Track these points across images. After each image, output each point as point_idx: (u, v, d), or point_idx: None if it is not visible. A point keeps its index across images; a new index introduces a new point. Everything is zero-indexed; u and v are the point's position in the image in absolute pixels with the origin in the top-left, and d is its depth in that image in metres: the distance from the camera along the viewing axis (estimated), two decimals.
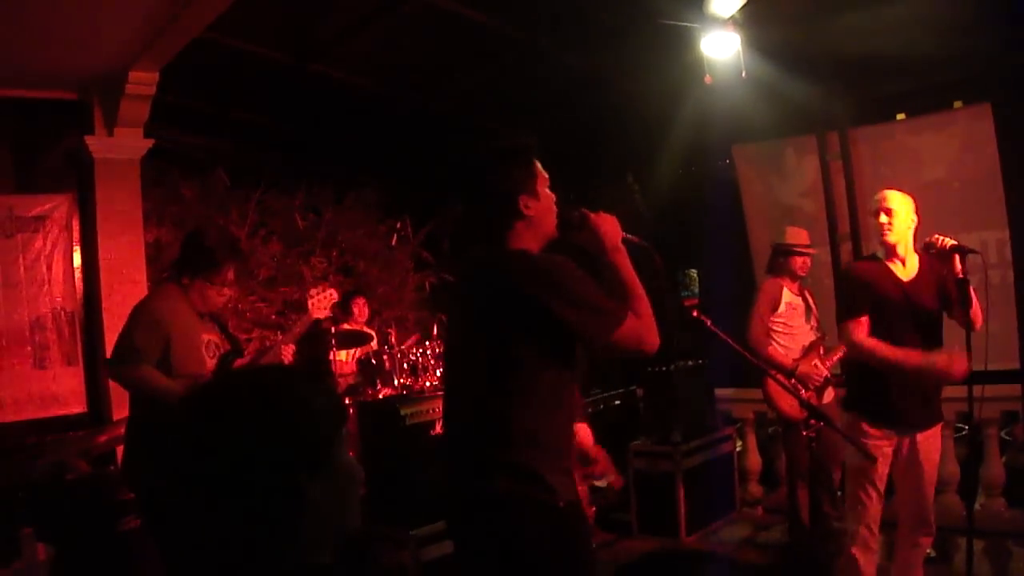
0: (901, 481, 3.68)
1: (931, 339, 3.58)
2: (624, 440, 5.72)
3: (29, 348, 5.47)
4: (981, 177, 5.70)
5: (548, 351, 2.20)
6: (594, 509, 3.72)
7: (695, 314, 3.25)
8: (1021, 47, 5.27)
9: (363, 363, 5.57)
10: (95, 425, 5.36)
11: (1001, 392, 4.87)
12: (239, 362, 3.64)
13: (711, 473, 5.65)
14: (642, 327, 2.24)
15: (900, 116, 6.33)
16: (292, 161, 7.86)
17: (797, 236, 4.99)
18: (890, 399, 3.55)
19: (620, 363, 6.75)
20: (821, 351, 4.79)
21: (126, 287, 5.47)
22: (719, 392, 6.06)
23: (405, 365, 5.27)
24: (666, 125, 6.71)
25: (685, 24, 5.00)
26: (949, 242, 3.37)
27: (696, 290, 7.76)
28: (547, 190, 2.35)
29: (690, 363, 5.86)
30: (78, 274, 5.67)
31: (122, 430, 3.78)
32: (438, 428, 4.42)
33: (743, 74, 4.97)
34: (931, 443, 3.62)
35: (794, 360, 4.80)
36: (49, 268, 5.57)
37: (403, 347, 5.61)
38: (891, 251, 3.60)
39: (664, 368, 5.71)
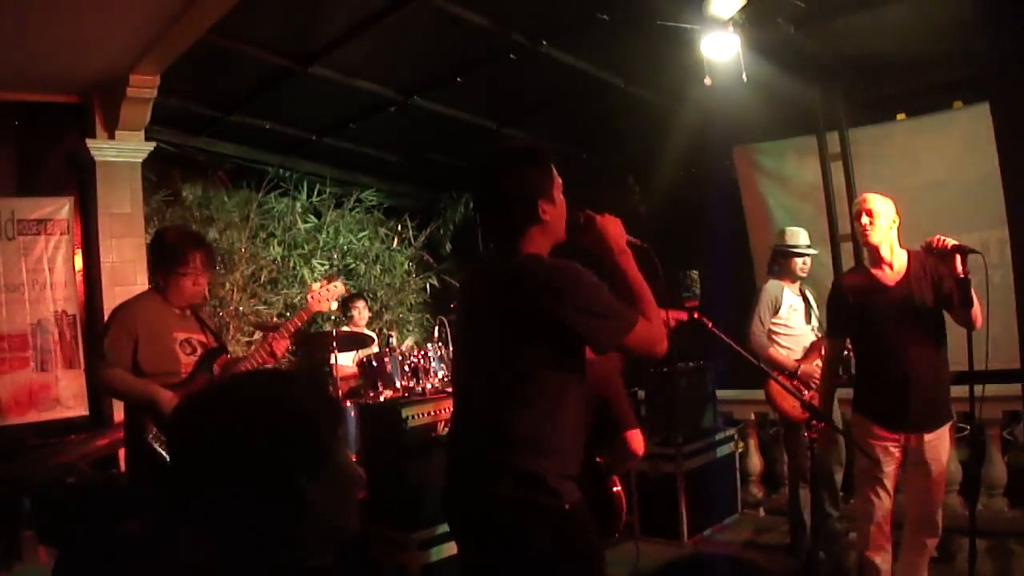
0: (908, 482, 3.68)
1: (930, 336, 3.58)
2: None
3: (31, 351, 5.48)
4: (981, 177, 5.68)
5: (557, 356, 2.20)
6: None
7: (696, 315, 3.26)
8: (1021, 47, 5.26)
9: (364, 365, 5.57)
10: (96, 428, 5.37)
11: (1002, 392, 4.86)
12: (222, 358, 3.66)
13: (713, 475, 5.64)
14: (652, 331, 2.24)
15: (900, 116, 6.32)
16: (293, 163, 7.87)
17: (796, 237, 4.99)
18: (896, 401, 3.55)
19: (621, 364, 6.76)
20: (823, 351, 4.78)
21: (127, 290, 5.47)
22: (720, 394, 6.06)
23: (406, 367, 5.27)
24: (666, 126, 6.71)
25: (685, 25, 5.00)
26: (950, 242, 3.37)
27: (697, 291, 7.75)
28: (561, 195, 2.35)
29: (691, 365, 5.86)
30: (79, 277, 5.68)
31: (123, 433, 3.80)
32: (440, 430, 4.42)
33: (743, 75, 4.98)
34: (939, 444, 3.61)
35: (796, 361, 4.80)
36: (51, 271, 5.58)
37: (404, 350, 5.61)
38: (875, 253, 3.64)
39: (665, 370, 5.71)
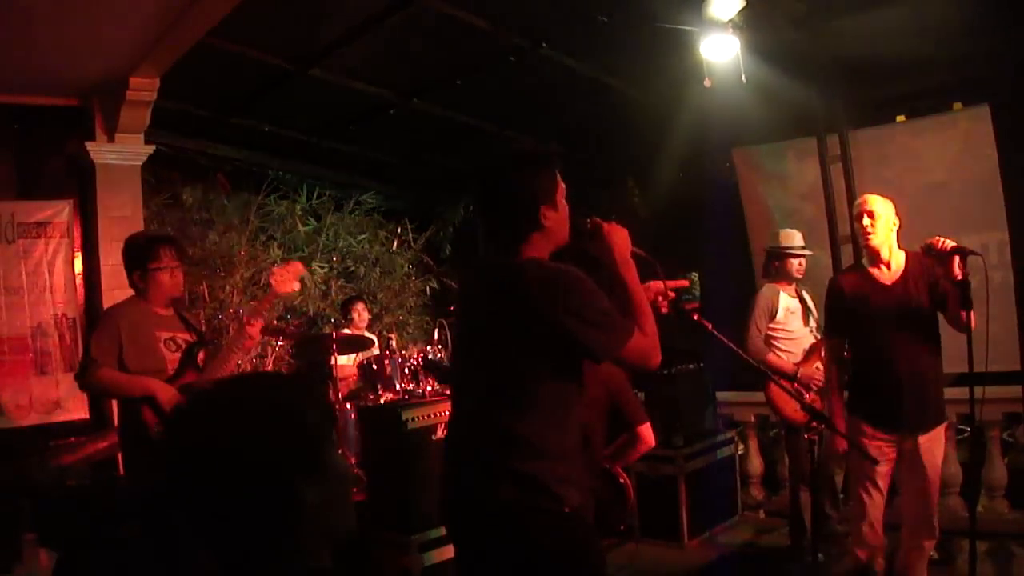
0: (904, 483, 3.68)
1: (925, 338, 3.59)
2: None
3: (31, 354, 5.48)
4: (981, 179, 5.69)
5: (556, 361, 2.19)
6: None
7: (696, 317, 3.25)
8: (1020, 49, 5.27)
9: (364, 368, 5.57)
10: (97, 431, 5.36)
11: (1002, 394, 4.87)
12: (204, 350, 3.75)
13: (713, 476, 5.64)
14: (647, 344, 2.23)
15: (900, 118, 6.33)
16: (293, 166, 7.88)
17: (790, 238, 4.99)
18: (890, 402, 3.56)
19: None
20: (822, 353, 4.78)
21: (127, 293, 5.46)
22: (720, 395, 6.05)
23: (406, 370, 5.27)
24: (666, 128, 6.71)
25: (684, 27, 5.00)
26: (950, 244, 3.37)
27: (697, 293, 7.75)
28: (564, 201, 2.34)
29: (691, 366, 5.85)
30: (79, 280, 5.68)
31: (120, 433, 3.82)
32: (439, 433, 4.41)
33: (743, 77, 4.98)
34: (933, 445, 3.62)
35: (795, 365, 4.80)
36: (50, 274, 5.58)
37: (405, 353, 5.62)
38: (875, 255, 3.65)
39: (665, 372, 5.71)
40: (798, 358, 4.84)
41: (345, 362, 6.36)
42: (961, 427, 5.40)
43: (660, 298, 2.55)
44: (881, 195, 3.76)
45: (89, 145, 5.56)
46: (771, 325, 4.89)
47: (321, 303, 7.83)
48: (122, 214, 5.64)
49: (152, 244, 3.72)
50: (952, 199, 5.70)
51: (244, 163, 7.65)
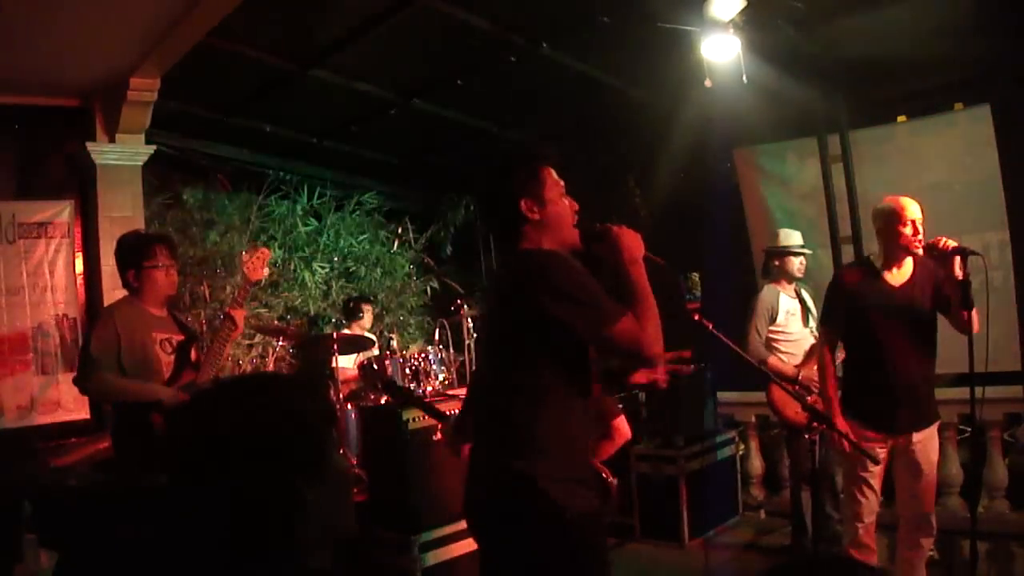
0: (900, 482, 3.69)
1: (922, 341, 3.59)
2: (626, 444, 5.71)
3: (32, 354, 5.48)
4: (982, 179, 5.69)
5: (554, 352, 2.18)
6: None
7: (697, 318, 3.25)
8: (1021, 49, 5.27)
9: (365, 368, 5.57)
10: (98, 431, 5.36)
11: (1003, 394, 4.87)
12: (195, 350, 3.75)
13: (713, 477, 5.64)
14: (641, 331, 2.18)
15: (901, 118, 6.32)
16: (293, 166, 7.88)
17: (790, 237, 4.99)
18: (883, 403, 3.56)
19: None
20: None
21: (128, 293, 5.47)
22: (721, 396, 6.05)
23: (407, 370, 5.27)
24: (667, 128, 6.71)
25: (685, 28, 5.00)
26: (951, 244, 3.37)
27: (698, 293, 7.75)
28: (560, 197, 2.35)
29: (692, 367, 5.85)
30: (80, 280, 5.69)
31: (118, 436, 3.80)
32: (440, 434, 4.41)
33: (744, 77, 4.97)
34: (927, 443, 3.62)
35: (795, 367, 4.79)
36: (51, 274, 5.59)
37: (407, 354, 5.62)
38: (898, 259, 3.60)
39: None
40: (798, 359, 4.83)
41: (346, 363, 6.36)
42: (962, 427, 5.40)
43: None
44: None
45: (90, 145, 5.57)
46: (771, 328, 4.88)
47: (322, 303, 7.82)
48: (123, 214, 5.64)
49: (147, 242, 3.71)
50: (953, 199, 5.70)
51: (245, 163, 7.65)
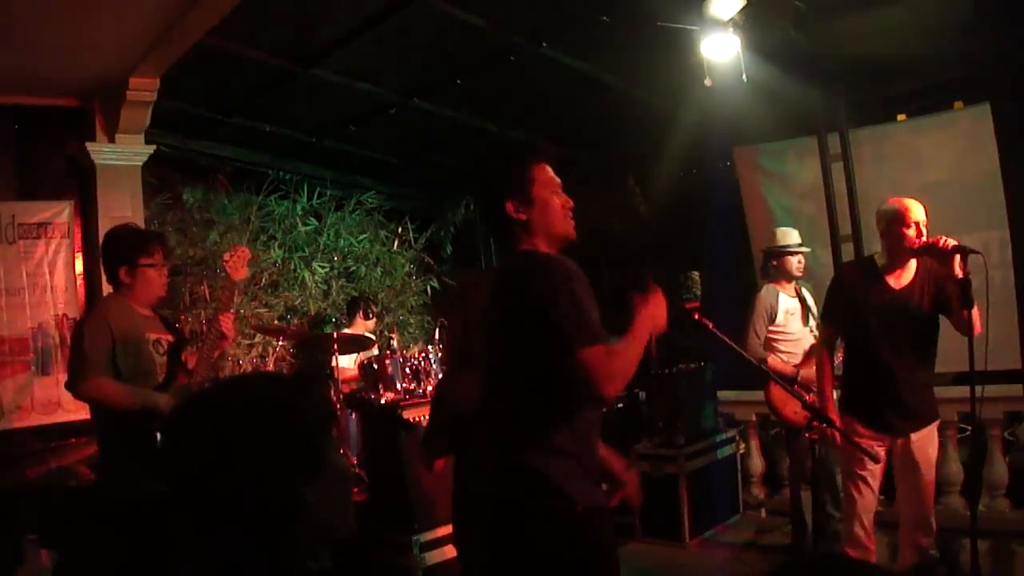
0: (900, 481, 3.69)
1: (922, 343, 3.59)
2: (627, 443, 5.71)
3: (31, 355, 5.48)
4: (982, 177, 5.68)
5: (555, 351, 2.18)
6: None
7: (697, 316, 3.25)
8: (1021, 48, 5.26)
9: (365, 368, 5.57)
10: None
11: (1004, 393, 4.87)
12: (188, 351, 3.62)
13: (714, 476, 5.64)
14: (611, 366, 2.10)
15: (901, 117, 6.32)
16: (293, 166, 7.88)
17: (788, 236, 4.99)
18: (882, 404, 3.56)
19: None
20: None
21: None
22: (721, 395, 6.05)
23: (407, 369, 5.27)
24: (667, 127, 6.71)
25: (685, 27, 5.00)
26: (951, 242, 3.36)
27: (698, 292, 7.74)
28: (552, 195, 2.34)
29: (692, 366, 5.85)
30: (80, 280, 5.68)
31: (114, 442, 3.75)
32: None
33: (743, 76, 4.97)
34: (926, 442, 3.62)
35: (794, 367, 4.79)
36: (51, 274, 5.58)
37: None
38: (901, 261, 3.60)
39: (667, 371, 5.71)
40: (798, 359, 4.83)
41: (346, 363, 6.35)
42: (962, 426, 5.40)
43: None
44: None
45: (89, 145, 5.57)
46: (771, 328, 4.88)
47: (322, 302, 7.83)
48: (123, 214, 5.63)
49: (146, 238, 3.57)
50: (953, 198, 5.69)
51: (245, 163, 7.65)
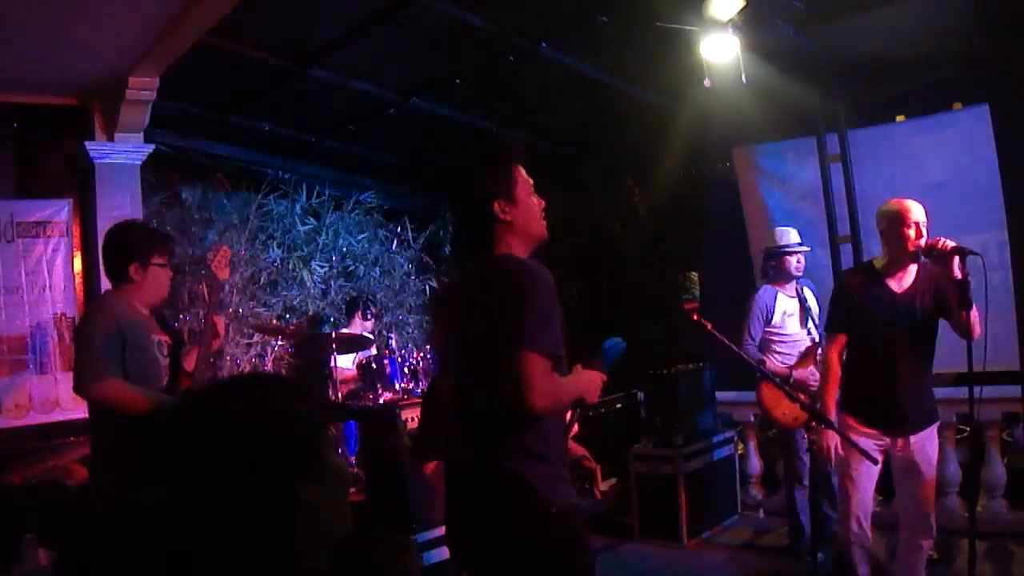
0: (900, 483, 3.69)
1: (923, 347, 3.60)
2: (625, 443, 5.72)
3: (30, 353, 5.48)
4: (980, 179, 5.70)
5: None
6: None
7: (695, 317, 3.25)
8: (1020, 49, 5.27)
9: (363, 368, 5.57)
10: None
11: (1002, 394, 4.87)
12: (189, 351, 3.55)
13: (712, 476, 5.65)
14: (547, 382, 2.11)
15: (899, 118, 6.33)
16: (292, 165, 7.88)
17: (786, 236, 5.00)
18: (883, 407, 3.57)
19: (622, 365, 6.75)
20: (817, 356, 4.76)
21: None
22: (720, 395, 6.06)
23: (406, 369, 5.27)
24: (666, 128, 6.71)
25: (684, 27, 5.00)
26: (950, 244, 3.36)
27: (696, 293, 7.75)
28: (529, 196, 2.37)
29: (691, 366, 5.86)
30: (79, 279, 5.68)
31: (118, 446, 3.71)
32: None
33: (743, 77, 4.97)
34: (927, 444, 3.63)
35: (788, 367, 4.80)
36: (50, 273, 5.58)
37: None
38: (900, 263, 3.60)
39: (665, 371, 5.72)
40: (794, 360, 4.84)
41: (344, 363, 6.36)
42: (960, 427, 5.41)
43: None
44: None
45: (88, 144, 5.56)
46: (768, 329, 4.89)
47: (321, 302, 7.83)
48: (122, 213, 5.63)
49: (161, 238, 3.49)
50: (951, 199, 5.70)
51: (244, 162, 7.65)
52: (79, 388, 3.26)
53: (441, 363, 2.68)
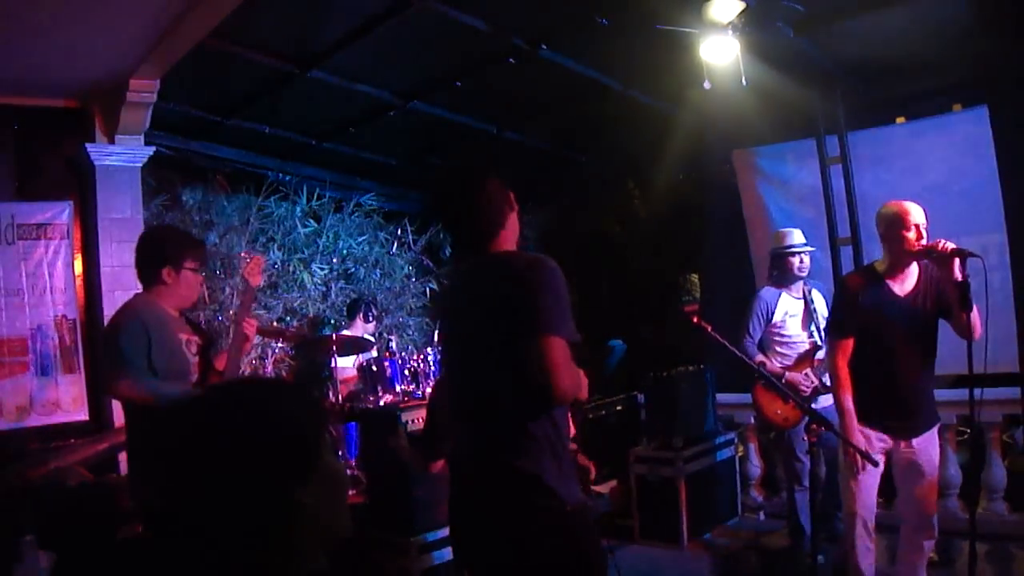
0: (901, 484, 3.69)
1: (925, 348, 3.60)
2: (625, 446, 5.72)
3: (31, 355, 5.48)
4: (980, 181, 5.69)
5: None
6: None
7: (696, 320, 3.25)
8: (1020, 50, 5.27)
9: (364, 370, 5.57)
10: (97, 432, 5.36)
11: (1002, 396, 4.87)
12: (219, 353, 3.62)
13: (713, 478, 5.64)
14: (570, 366, 2.17)
15: (900, 120, 6.33)
16: (292, 168, 7.88)
17: (786, 237, 5.00)
18: (881, 406, 3.57)
19: (622, 367, 6.76)
20: (816, 360, 4.76)
21: (127, 294, 5.46)
22: (720, 397, 6.05)
23: (406, 371, 5.27)
24: (666, 130, 6.72)
25: (684, 29, 5.00)
26: (950, 246, 3.36)
27: (697, 295, 7.76)
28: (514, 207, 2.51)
29: (691, 368, 5.86)
30: (79, 281, 5.68)
31: (123, 437, 3.77)
32: None
33: (742, 79, 4.98)
34: (928, 446, 3.63)
35: (783, 367, 4.80)
36: (50, 275, 5.58)
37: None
38: (902, 266, 3.60)
39: (666, 373, 5.72)
40: (792, 362, 4.84)
41: (345, 365, 6.36)
42: (961, 429, 5.40)
43: None
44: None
45: (89, 146, 5.57)
46: (769, 328, 4.90)
47: (321, 304, 7.83)
48: (122, 216, 5.64)
49: (195, 242, 3.57)
50: (951, 201, 5.70)
51: (244, 164, 7.65)
52: (107, 388, 3.47)
53: (445, 363, 2.69)
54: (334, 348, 5.86)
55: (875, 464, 3.44)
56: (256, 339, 7.06)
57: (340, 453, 6.05)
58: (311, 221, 7.95)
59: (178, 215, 7.06)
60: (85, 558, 1.39)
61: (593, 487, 5.64)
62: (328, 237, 8.01)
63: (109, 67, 5.14)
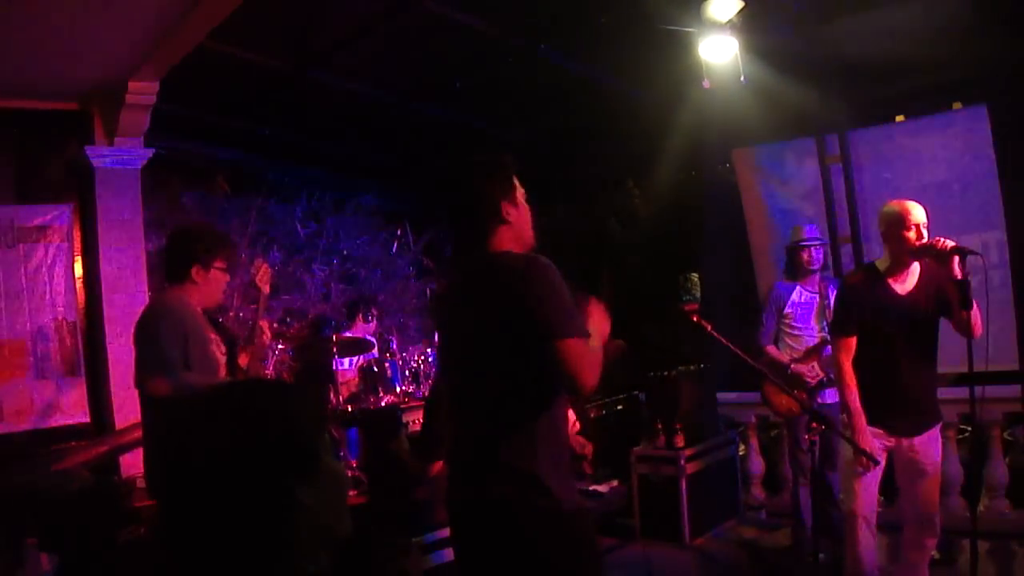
0: (903, 483, 3.69)
1: (926, 346, 3.60)
2: (627, 445, 5.72)
3: (31, 358, 5.48)
4: (980, 178, 5.70)
5: (539, 351, 2.19)
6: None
7: (696, 319, 3.25)
8: (1019, 49, 5.27)
9: (365, 370, 5.57)
10: (98, 435, 5.37)
11: (1003, 393, 4.87)
12: (241, 351, 3.66)
13: (714, 477, 5.64)
14: (592, 358, 2.20)
15: (899, 118, 6.33)
16: (292, 169, 7.88)
17: (795, 233, 5.01)
18: (884, 405, 3.57)
19: (623, 368, 6.76)
20: (822, 354, 4.77)
21: (127, 297, 5.48)
22: (721, 396, 6.06)
23: (407, 372, 5.27)
24: (665, 129, 6.71)
25: (683, 28, 5.00)
26: (950, 244, 3.37)
27: (697, 294, 7.75)
28: (524, 201, 2.47)
29: (692, 367, 5.86)
30: (79, 284, 5.68)
31: (124, 439, 3.79)
32: None
33: (742, 78, 4.98)
34: (930, 445, 3.63)
35: (790, 358, 4.81)
36: (51, 278, 5.58)
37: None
38: (902, 265, 3.60)
39: (666, 373, 5.72)
40: (800, 354, 4.86)
41: (346, 365, 6.35)
42: (962, 427, 5.40)
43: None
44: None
45: (89, 149, 5.57)
46: (782, 320, 4.95)
47: (322, 305, 7.83)
48: (122, 217, 5.64)
49: (226, 241, 3.63)
50: (951, 199, 5.70)
51: (244, 166, 7.66)
52: (141, 383, 3.36)
53: (443, 363, 2.70)
54: (335, 349, 5.86)
55: (876, 463, 3.45)
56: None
57: (341, 454, 6.05)
58: (311, 222, 7.95)
59: (178, 216, 7.05)
60: (86, 561, 1.39)
61: (593, 487, 5.64)
62: (328, 238, 8.01)
63: (109, 69, 5.14)
